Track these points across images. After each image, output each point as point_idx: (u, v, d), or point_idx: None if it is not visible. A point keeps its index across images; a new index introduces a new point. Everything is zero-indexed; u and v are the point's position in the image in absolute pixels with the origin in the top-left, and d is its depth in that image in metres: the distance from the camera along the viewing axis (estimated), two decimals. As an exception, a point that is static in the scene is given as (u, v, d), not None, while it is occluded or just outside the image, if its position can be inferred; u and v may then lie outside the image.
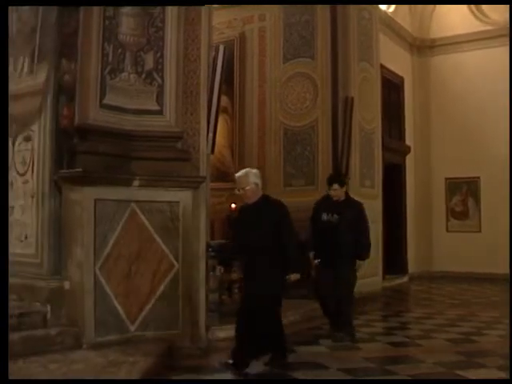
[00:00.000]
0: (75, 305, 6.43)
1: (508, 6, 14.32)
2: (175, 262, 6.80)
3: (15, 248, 6.84)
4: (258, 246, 6.10)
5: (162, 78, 7.17)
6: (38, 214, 6.71)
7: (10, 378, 5.03)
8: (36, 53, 7.03)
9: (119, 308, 6.58)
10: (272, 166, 11.78)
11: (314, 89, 11.65)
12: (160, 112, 7.05)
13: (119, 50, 7.01)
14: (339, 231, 7.55)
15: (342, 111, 11.27)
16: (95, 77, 6.78)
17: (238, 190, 6.28)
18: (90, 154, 6.50)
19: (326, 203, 7.84)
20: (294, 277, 6.19)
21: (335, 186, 7.73)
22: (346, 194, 7.91)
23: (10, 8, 7.34)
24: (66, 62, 6.78)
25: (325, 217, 7.68)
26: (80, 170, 6.36)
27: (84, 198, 6.38)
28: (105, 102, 6.79)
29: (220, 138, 10.75)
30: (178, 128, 7.13)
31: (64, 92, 6.72)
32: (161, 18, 7.30)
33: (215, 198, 9.87)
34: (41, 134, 6.75)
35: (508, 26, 14.92)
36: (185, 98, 7.28)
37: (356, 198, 8.27)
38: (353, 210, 7.75)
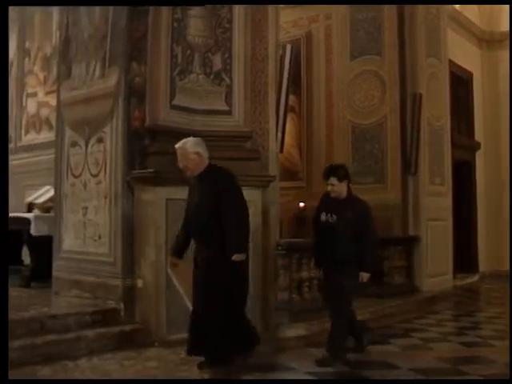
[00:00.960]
0: (148, 303, 6.54)
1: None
2: (246, 260, 6.81)
3: (89, 247, 7.02)
4: (196, 226, 5.46)
5: (231, 78, 7.22)
6: (111, 214, 6.86)
7: (86, 374, 5.17)
8: (107, 57, 7.17)
9: (190, 306, 6.63)
10: (341, 164, 11.69)
11: (381, 86, 11.52)
12: (229, 112, 7.12)
13: (188, 52, 7.11)
14: (337, 235, 6.29)
15: (410, 108, 11.11)
16: (165, 78, 6.89)
17: (180, 165, 5.57)
18: (160, 154, 6.60)
19: (326, 201, 6.56)
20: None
21: (332, 179, 6.38)
22: (349, 190, 6.50)
23: (80, 13, 7.53)
24: (136, 64, 6.90)
25: (323, 217, 6.42)
26: (151, 170, 6.47)
27: (156, 198, 6.49)
28: (174, 103, 6.89)
29: (288, 137, 10.75)
30: (247, 128, 7.18)
31: (135, 94, 6.85)
32: (228, 18, 7.36)
33: (283, 196, 9.84)
34: (113, 136, 6.89)
35: None
36: (253, 97, 7.32)
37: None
38: (354, 211, 6.33)
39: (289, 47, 8.15)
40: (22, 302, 7.09)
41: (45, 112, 10.49)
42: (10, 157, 11.30)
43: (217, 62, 7.25)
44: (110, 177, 6.89)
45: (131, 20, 6.97)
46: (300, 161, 12.30)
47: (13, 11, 11.61)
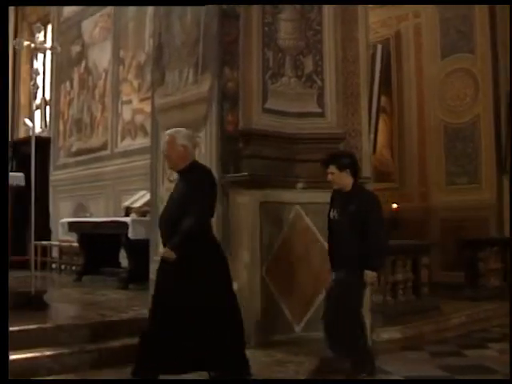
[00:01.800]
0: (243, 305, 6.57)
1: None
2: (340, 263, 6.78)
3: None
4: (164, 223, 5.04)
5: (322, 80, 7.21)
6: (207, 217, 6.93)
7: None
8: (200, 62, 7.27)
9: (284, 309, 6.66)
10: (433, 164, 11.54)
11: (474, 84, 11.30)
12: (321, 114, 7.10)
13: (279, 55, 7.14)
14: (340, 230, 5.75)
15: (504, 106, 10.85)
16: (257, 82, 6.94)
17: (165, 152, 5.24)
18: (254, 157, 6.66)
19: (333, 196, 5.95)
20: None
21: (331, 167, 5.75)
22: (355, 182, 5.81)
23: (172, 20, 7.68)
24: (228, 69, 6.97)
25: (331, 214, 5.88)
26: (246, 173, 6.52)
27: (250, 201, 6.53)
28: (267, 106, 6.93)
29: (380, 138, 10.69)
30: (340, 129, 7.14)
31: (228, 99, 6.92)
32: (318, 20, 7.35)
33: (375, 198, 9.80)
34: (207, 140, 6.99)
35: None
36: (345, 99, 7.28)
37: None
38: (356, 203, 5.65)
39: (379, 47, 8.10)
40: (121, 303, 7.29)
41: (139, 118, 10.77)
42: (107, 163, 11.67)
43: (308, 64, 7.25)
44: (205, 181, 6.97)
45: (222, 25, 7.05)
46: (392, 162, 12.18)
47: (107, 21, 11.99)
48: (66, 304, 7.30)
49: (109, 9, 12.14)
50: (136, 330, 5.93)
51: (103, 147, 11.96)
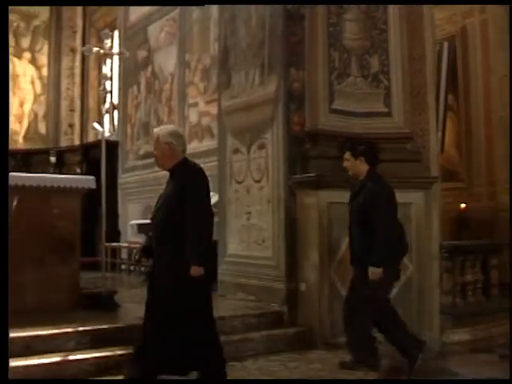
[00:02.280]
0: (311, 306, 6.61)
1: None
2: (409, 264, 6.73)
3: (253, 251, 7.20)
4: (157, 229, 4.85)
5: (389, 79, 7.18)
6: (274, 218, 6.99)
7: (253, 375, 5.29)
8: (265, 64, 7.34)
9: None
10: (502, 163, 11.30)
11: (544, 79, 11.02)
12: (388, 114, 7.07)
13: (344, 55, 7.14)
14: (350, 222, 5.71)
15: None
16: (323, 83, 6.97)
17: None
18: (321, 158, 6.68)
19: (354, 184, 5.84)
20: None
21: (347, 154, 5.77)
22: (369, 170, 5.70)
23: (238, 23, 7.76)
24: (294, 70, 7.02)
25: (349, 205, 5.81)
26: (313, 174, 6.55)
27: (318, 201, 6.55)
28: (333, 106, 6.95)
29: (447, 137, 10.54)
30: (407, 129, 7.10)
31: (294, 99, 6.97)
32: (383, 19, 7.33)
33: (443, 198, 9.64)
34: (274, 141, 7.03)
35: None
36: (411, 98, 7.22)
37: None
38: (365, 194, 5.54)
39: (446, 45, 7.99)
40: (190, 304, 7.35)
41: (206, 121, 10.87)
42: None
43: (374, 63, 7.23)
44: (273, 182, 7.03)
45: (287, 26, 7.10)
46: (460, 161, 11.98)
47: (172, 26, 12.17)
48: (135, 304, 7.38)
49: (174, 13, 12.31)
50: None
51: (170, 150, 12.00)
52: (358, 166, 5.70)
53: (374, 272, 5.37)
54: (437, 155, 7.36)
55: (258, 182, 7.23)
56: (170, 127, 5.09)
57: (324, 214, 6.55)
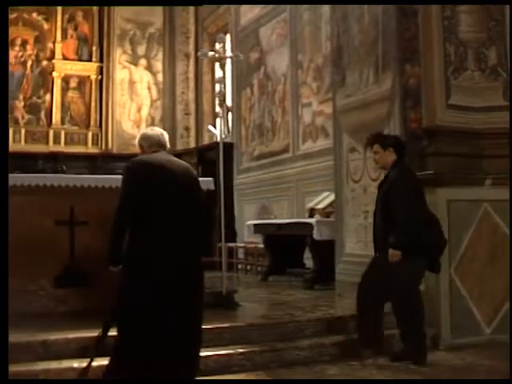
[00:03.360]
0: (431, 306, 6.48)
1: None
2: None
3: (371, 250, 7.05)
4: None
5: (507, 72, 6.94)
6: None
7: (373, 374, 5.25)
8: (379, 61, 7.29)
9: (474, 310, 6.48)
10: None
11: None
12: (508, 108, 6.84)
13: (460, 49, 6.96)
14: (376, 210, 5.78)
15: None
16: (439, 78, 6.82)
17: None
18: (439, 155, 6.54)
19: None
20: None
21: (376, 147, 5.77)
22: (395, 160, 5.71)
23: (350, 21, 7.75)
24: (409, 66, 6.94)
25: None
26: (431, 171, 6.42)
27: (437, 199, 6.41)
28: (451, 102, 6.79)
29: None
30: (528, 123, 6.85)
31: (410, 96, 6.89)
32: (499, 10, 7.09)
33: None
34: (391, 139, 6.97)
35: None
36: (533, 90, 6.97)
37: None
38: (388, 182, 5.62)
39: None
40: (308, 303, 7.37)
41: (320, 120, 10.91)
42: (289, 165, 11.94)
43: (491, 56, 7.01)
44: (389, 180, 6.96)
45: (400, 21, 7.03)
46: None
47: (283, 27, 12.27)
48: (254, 303, 7.52)
49: (284, 15, 12.43)
50: (323, 330, 6.07)
51: (285, 150, 12.23)
52: (386, 157, 5.73)
53: (393, 254, 5.40)
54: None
55: (374, 180, 7.17)
56: (147, 129, 4.93)
57: (443, 212, 6.37)
